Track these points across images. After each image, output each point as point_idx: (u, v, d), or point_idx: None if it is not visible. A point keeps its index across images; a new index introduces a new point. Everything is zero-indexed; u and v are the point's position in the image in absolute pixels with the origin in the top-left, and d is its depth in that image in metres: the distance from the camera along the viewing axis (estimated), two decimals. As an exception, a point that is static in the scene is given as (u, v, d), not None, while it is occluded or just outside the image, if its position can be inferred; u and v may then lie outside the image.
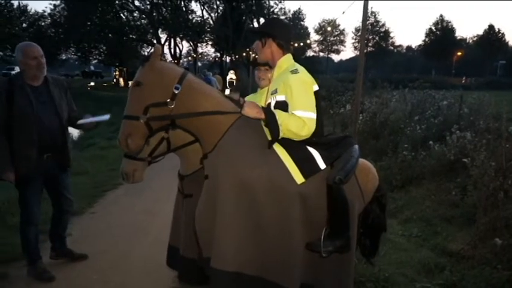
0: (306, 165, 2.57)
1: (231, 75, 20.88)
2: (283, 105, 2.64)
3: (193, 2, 49.78)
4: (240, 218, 2.52)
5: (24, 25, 50.79)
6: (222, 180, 2.54)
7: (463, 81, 53.30)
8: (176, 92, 2.54)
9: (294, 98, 2.57)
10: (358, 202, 2.86)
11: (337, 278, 2.76)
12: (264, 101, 2.84)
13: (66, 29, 45.34)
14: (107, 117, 3.94)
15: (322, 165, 2.60)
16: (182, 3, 48.14)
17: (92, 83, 48.62)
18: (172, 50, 50.54)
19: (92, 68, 73.37)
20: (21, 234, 3.85)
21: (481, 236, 4.52)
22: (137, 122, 2.53)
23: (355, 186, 2.81)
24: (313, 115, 2.56)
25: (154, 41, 46.18)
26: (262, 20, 47.39)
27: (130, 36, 48.14)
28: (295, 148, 2.60)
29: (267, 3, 49.65)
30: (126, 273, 4.07)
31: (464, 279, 3.89)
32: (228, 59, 51.97)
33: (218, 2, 48.89)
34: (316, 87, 2.72)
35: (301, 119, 2.51)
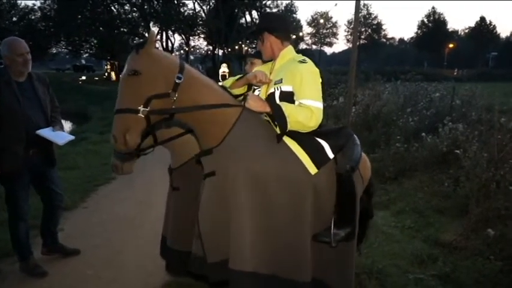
0: (317, 155, 2.53)
1: (224, 69, 20.65)
2: (288, 96, 2.59)
3: (185, -6, 49.26)
4: (255, 215, 2.41)
5: (14, 19, 50.26)
6: (234, 176, 2.39)
7: (455, 73, 53.52)
8: (178, 82, 2.31)
9: (303, 87, 2.53)
10: (360, 188, 2.88)
11: (340, 268, 2.74)
12: (265, 91, 2.76)
13: (56, 23, 44.77)
14: (69, 138, 3.78)
15: (330, 154, 2.57)
16: (174, -5, 47.80)
17: (83, 77, 48.31)
18: (164, 43, 50.29)
19: (83, 62, 72.70)
20: (11, 230, 3.81)
21: (473, 227, 4.56)
22: (136, 115, 2.23)
23: (358, 174, 2.80)
24: (321, 105, 2.54)
25: (146, 34, 45.72)
26: (254, 13, 47.33)
27: (122, 29, 47.78)
28: (305, 139, 2.55)
29: (259, -5, 49.47)
30: (119, 267, 4.06)
31: (457, 270, 3.92)
32: (220, 52, 51.85)
33: (210, -5, 48.68)
34: (320, 79, 2.68)
35: (309, 108, 2.48)
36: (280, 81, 2.63)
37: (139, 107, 2.24)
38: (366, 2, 75.59)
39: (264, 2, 49.51)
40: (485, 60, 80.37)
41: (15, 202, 3.72)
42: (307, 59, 2.67)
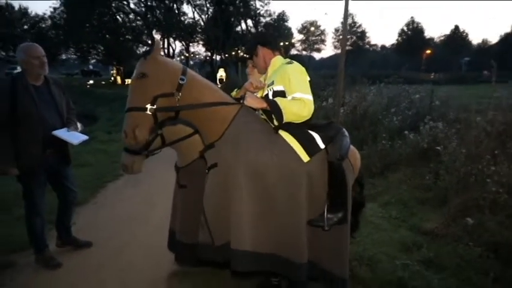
0: (309, 145, 2.59)
1: (221, 73, 20.60)
2: (280, 94, 2.67)
3: (185, 4, 49.27)
4: (254, 201, 2.49)
5: (25, 27, 49.90)
6: (234, 167, 2.46)
7: (432, 77, 53.62)
8: (182, 83, 2.44)
9: (292, 83, 2.61)
10: (351, 177, 2.91)
11: (335, 251, 2.75)
12: (261, 96, 2.83)
13: (65, 31, 44.55)
14: (83, 138, 3.70)
15: (321, 145, 2.64)
16: (175, 5, 47.83)
17: (91, 81, 47.98)
18: (165, 50, 50.14)
19: (91, 67, 72.14)
20: (28, 225, 3.77)
21: (453, 216, 4.56)
22: (144, 113, 2.35)
23: (348, 163, 2.83)
24: (311, 97, 2.61)
25: (149, 41, 45.75)
26: (249, 21, 47.29)
27: (127, 36, 47.59)
28: (297, 131, 2.61)
29: (254, 5, 49.50)
30: (129, 258, 4.04)
31: (440, 255, 3.93)
32: (218, 57, 51.81)
33: (208, 5, 48.77)
34: (308, 78, 2.76)
35: (301, 99, 2.56)
36: (272, 83, 2.74)
37: (147, 105, 2.35)
38: (351, 11, 75.70)
39: (258, 11, 49.47)
40: (459, 65, 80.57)
41: (32, 199, 3.68)
42: (293, 61, 2.78)
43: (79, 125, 3.92)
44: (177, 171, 3.42)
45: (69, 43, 47.26)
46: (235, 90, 3.10)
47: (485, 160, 4.54)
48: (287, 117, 2.53)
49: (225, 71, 21.61)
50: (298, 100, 2.56)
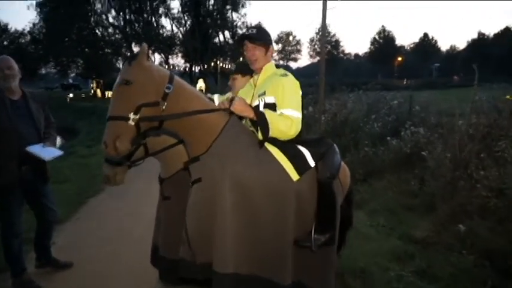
0: (299, 162, 2.41)
1: (200, 84, 20.48)
2: (271, 107, 2.47)
3: (163, 17, 49.16)
4: (239, 219, 2.28)
5: (5, 43, 48.93)
6: (220, 182, 2.27)
7: (405, 83, 54.63)
8: (168, 91, 2.21)
9: (285, 97, 2.42)
10: (340, 196, 2.72)
11: (321, 272, 2.60)
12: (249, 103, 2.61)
13: (45, 46, 43.97)
14: (56, 153, 3.49)
15: (311, 162, 2.45)
16: (153, 19, 47.67)
17: (71, 95, 47.13)
18: (145, 62, 49.80)
19: (71, 80, 70.99)
20: (4, 246, 3.47)
21: (442, 223, 4.42)
22: (126, 122, 2.12)
23: (337, 181, 2.65)
24: (300, 115, 2.42)
25: (128, 54, 45.36)
26: (226, 33, 47.34)
27: (106, 50, 47.17)
28: (287, 146, 2.43)
29: (231, 17, 49.62)
30: (111, 278, 3.76)
31: (433, 265, 3.77)
32: (197, 69, 51.70)
33: (186, 18, 48.81)
34: (300, 92, 2.56)
35: (289, 118, 2.37)
36: (264, 93, 2.52)
37: (130, 115, 2.12)
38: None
39: (235, 23, 49.56)
40: (430, 70, 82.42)
41: (8, 219, 3.41)
42: (288, 73, 2.57)
43: (59, 139, 3.67)
44: (161, 183, 3.21)
45: (49, 57, 46.58)
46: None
47: (474, 164, 4.40)
48: (273, 133, 2.34)
49: (205, 82, 21.47)
50: (286, 117, 2.37)
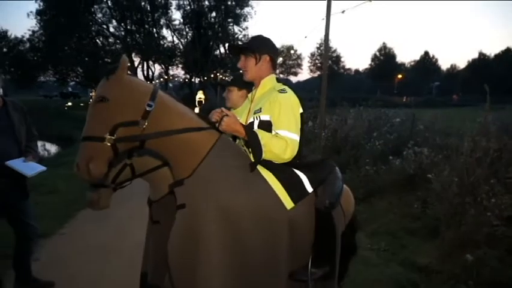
0: (295, 188, 2.16)
1: (200, 95, 20.40)
2: (266, 125, 2.24)
3: (164, 29, 49.26)
4: (225, 253, 2.02)
5: (4, 50, 48.92)
6: (204, 210, 2.03)
7: (404, 100, 54.74)
8: (149, 109, 1.99)
9: (281, 117, 2.19)
10: (341, 225, 2.48)
11: None
12: (245, 120, 2.38)
13: (44, 53, 43.85)
14: (39, 169, 3.33)
15: (309, 188, 2.20)
16: (154, 30, 47.76)
17: (69, 103, 47.15)
18: (145, 72, 49.94)
19: (70, 89, 71.06)
20: None
21: (447, 251, 4.18)
22: (102, 143, 1.92)
23: (339, 209, 2.42)
24: (296, 137, 2.18)
25: (129, 64, 45.38)
26: (227, 45, 47.48)
27: (106, 59, 47.10)
28: (282, 171, 2.19)
29: (232, 30, 49.79)
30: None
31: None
32: (197, 80, 51.71)
33: (187, 29, 48.99)
34: (301, 110, 2.31)
35: (283, 139, 2.14)
36: (260, 110, 2.29)
37: (105, 135, 1.93)
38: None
39: (236, 36, 49.69)
40: (429, 89, 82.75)
41: None
42: (287, 89, 2.31)
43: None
44: (150, 205, 2.97)
45: (48, 65, 46.48)
46: None
47: (482, 190, 4.17)
48: (266, 156, 2.12)
49: (204, 93, 21.41)
50: (281, 139, 2.14)
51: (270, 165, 2.18)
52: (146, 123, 2.00)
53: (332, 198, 2.23)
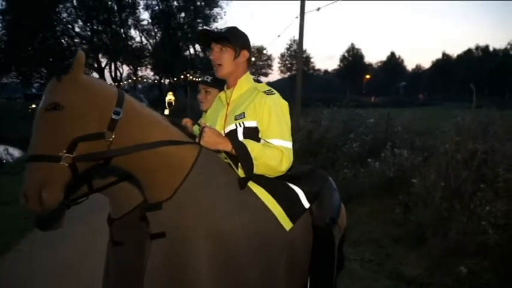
0: (292, 206, 1.89)
1: (170, 96, 19.89)
2: (253, 133, 1.91)
3: (132, 29, 48.30)
4: (217, 286, 1.68)
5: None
6: (191, 239, 1.68)
7: (373, 100, 55.65)
8: (116, 118, 1.59)
9: (271, 124, 1.87)
10: (338, 240, 2.17)
11: None
12: (222, 127, 1.99)
13: (6, 54, 42.12)
14: None
15: (306, 204, 1.94)
16: (122, 30, 46.82)
17: (34, 105, 45.39)
18: (113, 73, 48.90)
19: (34, 91, 68.64)
20: None
21: (436, 261, 3.93)
22: (57, 164, 1.48)
23: (336, 225, 2.12)
24: (290, 144, 1.89)
25: (95, 65, 44.33)
26: (197, 46, 46.96)
27: (71, 60, 45.87)
28: (275, 186, 1.90)
29: (201, 30, 49.59)
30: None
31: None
32: (166, 81, 51.02)
33: (156, 30, 48.38)
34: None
35: (278, 149, 1.84)
36: (243, 115, 1.93)
37: (61, 153, 1.48)
38: (296, 38, 77.59)
39: (206, 37, 49.37)
40: (396, 89, 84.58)
41: None
42: (273, 90, 1.98)
43: None
44: (110, 224, 2.52)
45: (10, 67, 44.65)
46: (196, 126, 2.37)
47: (477, 198, 3.92)
48: (258, 170, 1.80)
49: (174, 95, 20.91)
50: (275, 149, 1.84)
51: (260, 180, 1.85)
52: (113, 136, 1.59)
53: (332, 213, 2.03)
